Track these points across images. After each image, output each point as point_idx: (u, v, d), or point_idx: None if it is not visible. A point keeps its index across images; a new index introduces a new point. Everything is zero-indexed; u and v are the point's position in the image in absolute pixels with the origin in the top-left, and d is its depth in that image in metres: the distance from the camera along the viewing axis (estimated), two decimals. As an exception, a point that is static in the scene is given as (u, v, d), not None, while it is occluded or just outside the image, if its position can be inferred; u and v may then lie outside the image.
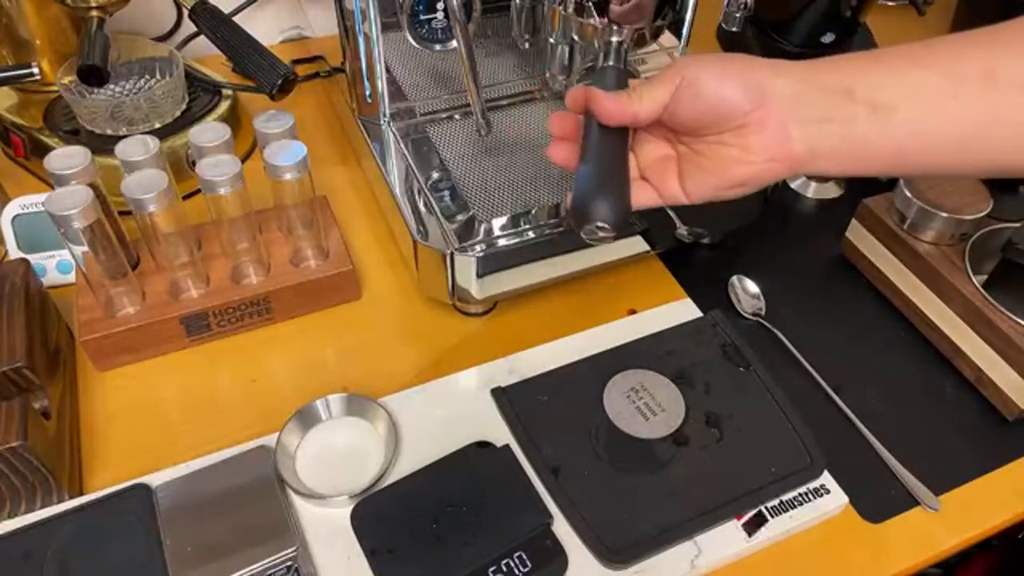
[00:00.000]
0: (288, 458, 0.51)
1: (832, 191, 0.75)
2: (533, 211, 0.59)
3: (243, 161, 0.72)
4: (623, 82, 0.50)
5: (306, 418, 0.53)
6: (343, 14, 0.60)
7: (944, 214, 0.58)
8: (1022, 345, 0.53)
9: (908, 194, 0.60)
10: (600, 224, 0.41)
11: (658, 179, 0.45)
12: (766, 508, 0.50)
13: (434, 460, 0.51)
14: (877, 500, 0.52)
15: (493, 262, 0.57)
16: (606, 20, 0.52)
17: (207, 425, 0.55)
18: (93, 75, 0.62)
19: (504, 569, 0.46)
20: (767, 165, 0.41)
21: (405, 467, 0.51)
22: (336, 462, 0.51)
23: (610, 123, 0.43)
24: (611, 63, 0.50)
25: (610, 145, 0.44)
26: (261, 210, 0.63)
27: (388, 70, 0.64)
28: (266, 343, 0.61)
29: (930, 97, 0.38)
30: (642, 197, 0.45)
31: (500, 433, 0.53)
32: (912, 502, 0.52)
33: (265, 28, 0.91)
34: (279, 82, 0.61)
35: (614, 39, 0.51)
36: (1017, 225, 0.60)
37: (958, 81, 0.37)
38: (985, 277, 0.58)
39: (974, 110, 0.37)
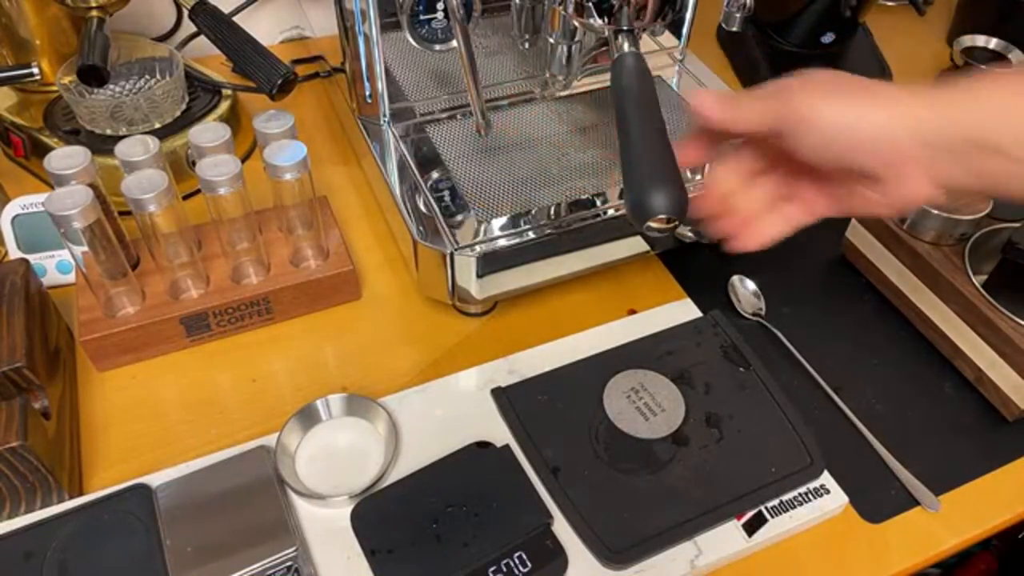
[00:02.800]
0: (288, 458, 0.51)
1: (832, 191, 0.75)
2: (533, 211, 0.59)
3: (243, 161, 0.72)
4: (644, 69, 0.50)
5: (306, 418, 0.53)
6: (343, 14, 0.60)
7: (944, 214, 0.58)
8: (1022, 345, 0.53)
9: (908, 194, 0.60)
10: (661, 217, 0.42)
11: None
12: (766, 508, 0.50)
13: (434, 460, 0.51)
14: (877, 500, 0.52)
15: (493, 262, 0.57)
16: (606, 20, 0.52)
17: (207, 425, 0.55)
18: (93, 75, 0.62)
19: (504, 569, 0.46)
20: (907, 205, 0.39)
21: (405, 467, 0.51)
22: (336, 462, 0.51)
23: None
24: (628, 49, 0.50)
25: (651, 133, 0.44)
26: (261, 210, 0.62)
27: (388, 70, 0.64)
28: (266, 343, 0.61)
29: None
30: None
31: (500, 433, 0.53)
32: (912, 502, 0.52)
33: (265, 28, 0.90)
34: (279, 82, 0.61)
35: (624, 28, 0.51)
36: (1017, 225, 0.60)
37: None
38: (985, 277, 0.58)
39: None
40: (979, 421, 0.57)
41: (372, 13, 0.59)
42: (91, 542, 0.46)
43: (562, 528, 0.49)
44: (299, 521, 0.48)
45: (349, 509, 0.48)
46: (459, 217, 0.58)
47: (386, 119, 0.65)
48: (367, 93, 0.64)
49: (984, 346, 0.56)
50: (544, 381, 0.57)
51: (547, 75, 0.65)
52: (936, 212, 0.59)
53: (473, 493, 0.49)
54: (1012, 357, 0.54)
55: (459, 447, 0.52)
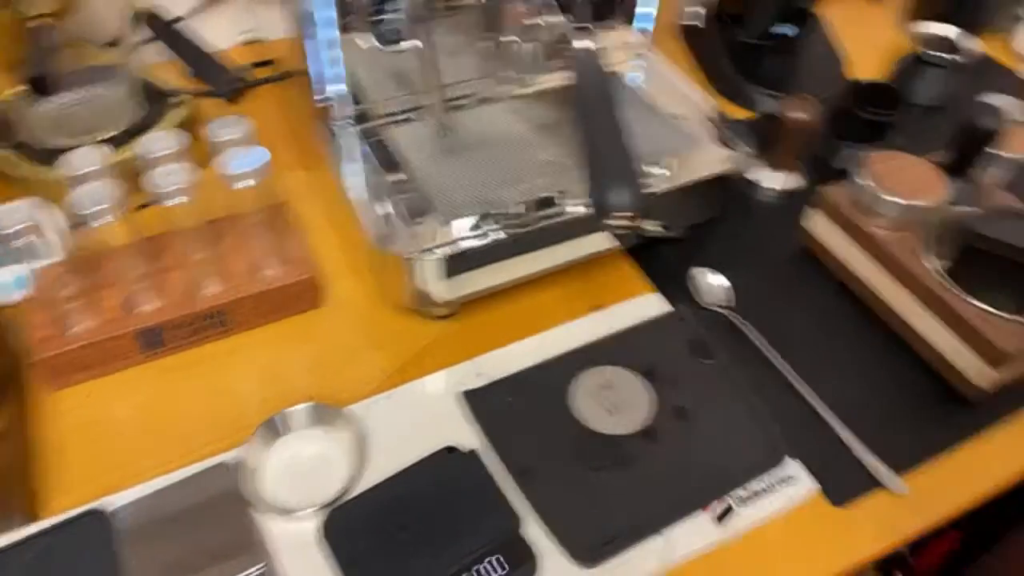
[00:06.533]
0: (253, 472, 0.50)
1: (793, 181, 0.76)
2: (498, 211, 0.58)
3: (203, 168, 0.70)
4: (601, 66, 0.50)
5: (270, 431, 0.52)
6: (299, 15, 0.59)
7: (901, 200, 0.59)
8: (979, 327, 0.54)
9: (865, 183, 0.61)
10: (621, 212, 0.43)
11: None
12: (735, 498, 0.50)
13: (403, 467, 0.51)
14: (844, 485, 0.53)
15: (458, 264, 0.56)
16: (564, 18, 0.52)
17: (167, 443, 0.53)
18: (41, 84, 0.60)
19: (476, 574, 0.46)
20: None
21: (373, 476, 0.50)
22: (303, 474, 0.51)
23: None
24: (585, 46, 0.50)
25: (609, 129, 0.44)
26: (219, 219, 0.61)
27: (348, 71, 0.63)
28: (227, 355, 0.59)
29: None
30: None
31: (469, 437, 0.53)
32: (878, 486, 0.53)
33: (223, 31, 0.88)
34: (235, 86, 0.59)
35: (581, 26, 0.51)
36: (972, 209, 0.61)
37: None
38: (942, 261, 0.58)
39: None
40: (941, 403, 0.58)
41: (329, 14, 0.57)
42: (49, 571, 0.45)
43: (533, 530, 0.48)
44: (266, 536, 0.47)
45: (318, 522, 0.48)
46: (423, 219, 0.57)
47: (347, 121, 0.64)
48: (327, 95, 0.63)
49: (943, 330, 0.57)
50: (512, 382, 0.56)
51: (508, 73, 0.65)
52: (893, 199, 0.59)
53: (442, 499, 0.49)
54: (971, 339, 0.55)
55: (428, 453, 0.51)
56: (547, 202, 0.60)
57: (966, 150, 0.63)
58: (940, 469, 0.54)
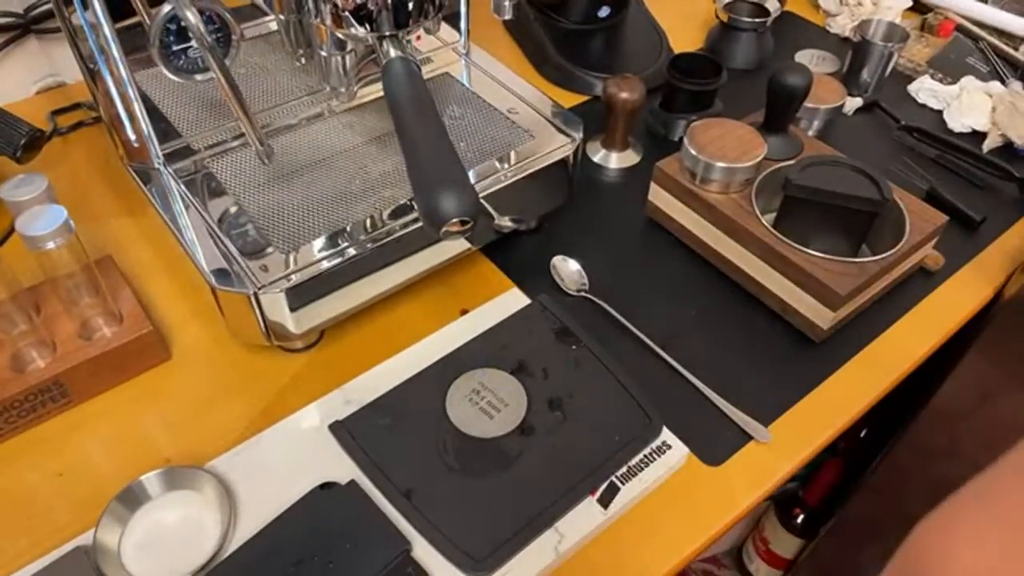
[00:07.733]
0: (111, 552, 0.46)
1: (631, 158, 0.78)
2: (341, 231, 0.57)
3: (7, 236, 0.64)
4: (413, 72, 0.49)
5: (125, 504, 0.48)
6: (83, 56, 0.55)
7: (725, 164, 0.62)
8: (813, 272, 0.58)
9: (693, 152, 0.63)
10: (454, 221, 0.42)
11: None
12: (616, 477, 0.51)
13: (277, 515, 0.48)
14: (715, 444, 0.55)
15: (305, 293, 0.54)
16: (367, 28, 0.51)
17: (14, 535, 0.48)
18: None
19: (368, 609, 0.44)
20: None
21: (248, 529, 0.48)
22: (168, 543, 0.47)
23: None
24: (394, 55, 0.49)
25: (430, 136, 0.43)
26: (34, 286, 0.56)
27: (153, 108, 0.59)
28: (73, 428, 0.55)
29: None
30: None
31: (345, 469, 0.51)
32: (747, 438, 0.55)
33: (16, 80, 0.81)
34: (22, 142, 0.54)
35: (387, 32, 0.50)
36: (792, 163, 0.65)
37: None
38: (771, 215, 0.62)
39: None
40: (792, 349, 0.62)
41: (115, 51, 0.53)
42: None
43: (423, 550, 0.47)
44: (135, 619, 0.44)
45: (190, 591, 0.45)
46: (260, 252, 0.55)
47: (160, 162, 0.60)
48: (132, 138, 0.58)
49: (782, 279, 0.61)
50: (384, 404, 0.55)
51: (329, 88, 0.63)
52: (717, 164, 0.62)
53: (323, 540, 0.47)
54: (807, 284, 0.59)
55: (302, 495, 0.49)
56: (393, 214, 0.58)
57: (778, 107, 0.67)
58: (797, 410, 0.57)
